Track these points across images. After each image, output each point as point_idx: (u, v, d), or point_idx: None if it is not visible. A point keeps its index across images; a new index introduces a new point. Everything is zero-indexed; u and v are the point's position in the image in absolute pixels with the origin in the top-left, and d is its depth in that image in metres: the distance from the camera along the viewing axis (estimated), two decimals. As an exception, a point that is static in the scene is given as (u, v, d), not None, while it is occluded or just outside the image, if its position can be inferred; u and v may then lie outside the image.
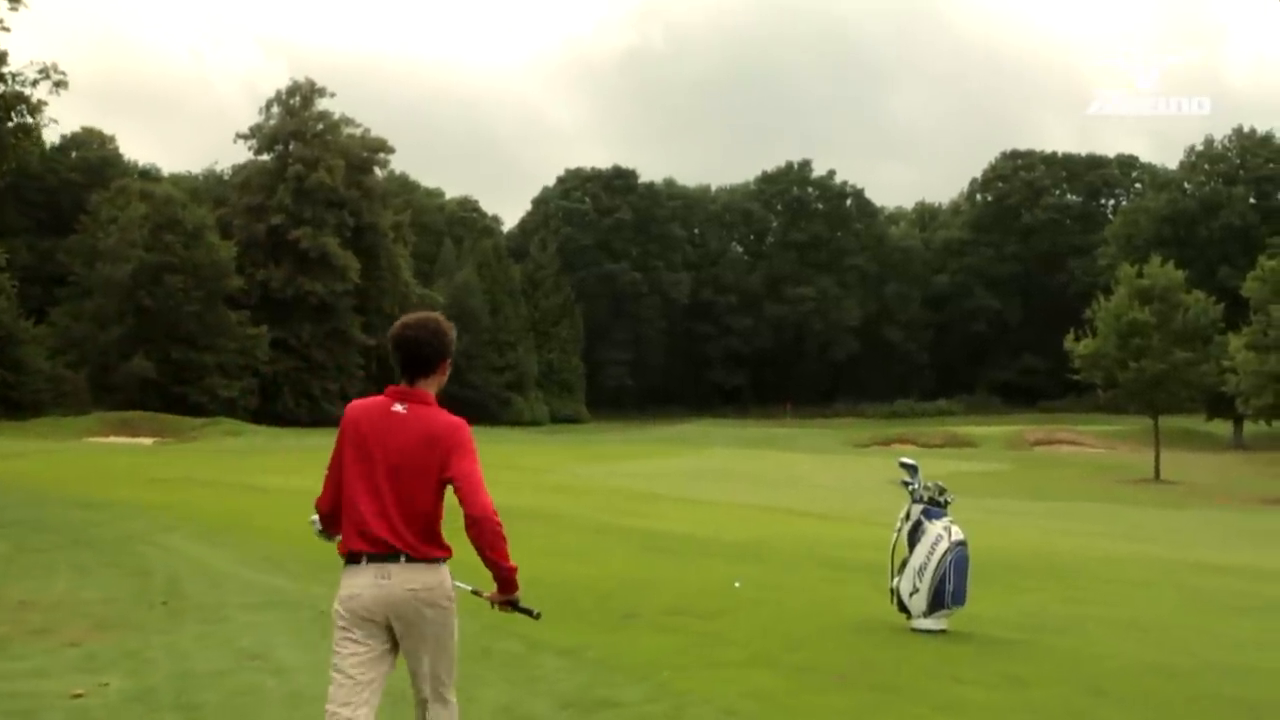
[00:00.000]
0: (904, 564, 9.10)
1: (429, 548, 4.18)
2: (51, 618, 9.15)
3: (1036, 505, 32.05)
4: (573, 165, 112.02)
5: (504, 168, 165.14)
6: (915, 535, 9.08)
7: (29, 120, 27.61)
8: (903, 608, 9.12)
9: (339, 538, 4.30)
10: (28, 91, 26.96)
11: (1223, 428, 69.02)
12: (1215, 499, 39.02)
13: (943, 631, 8.94)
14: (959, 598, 8.92)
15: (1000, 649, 8.56)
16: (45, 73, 27.55)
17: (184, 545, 13.99)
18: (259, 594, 10.40)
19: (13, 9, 25.11)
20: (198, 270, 71.64)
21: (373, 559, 4.14)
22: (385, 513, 4.13)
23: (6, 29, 27.05)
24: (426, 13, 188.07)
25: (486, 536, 4.11)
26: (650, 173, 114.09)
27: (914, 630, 8.97)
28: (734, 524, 20.09)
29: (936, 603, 8.89)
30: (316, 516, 4.49)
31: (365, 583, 4.13)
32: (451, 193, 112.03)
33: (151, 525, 16.22)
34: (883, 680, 7.37)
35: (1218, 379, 46.79)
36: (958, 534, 8.98)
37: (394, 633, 4.21)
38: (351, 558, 4.19)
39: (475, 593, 4.42)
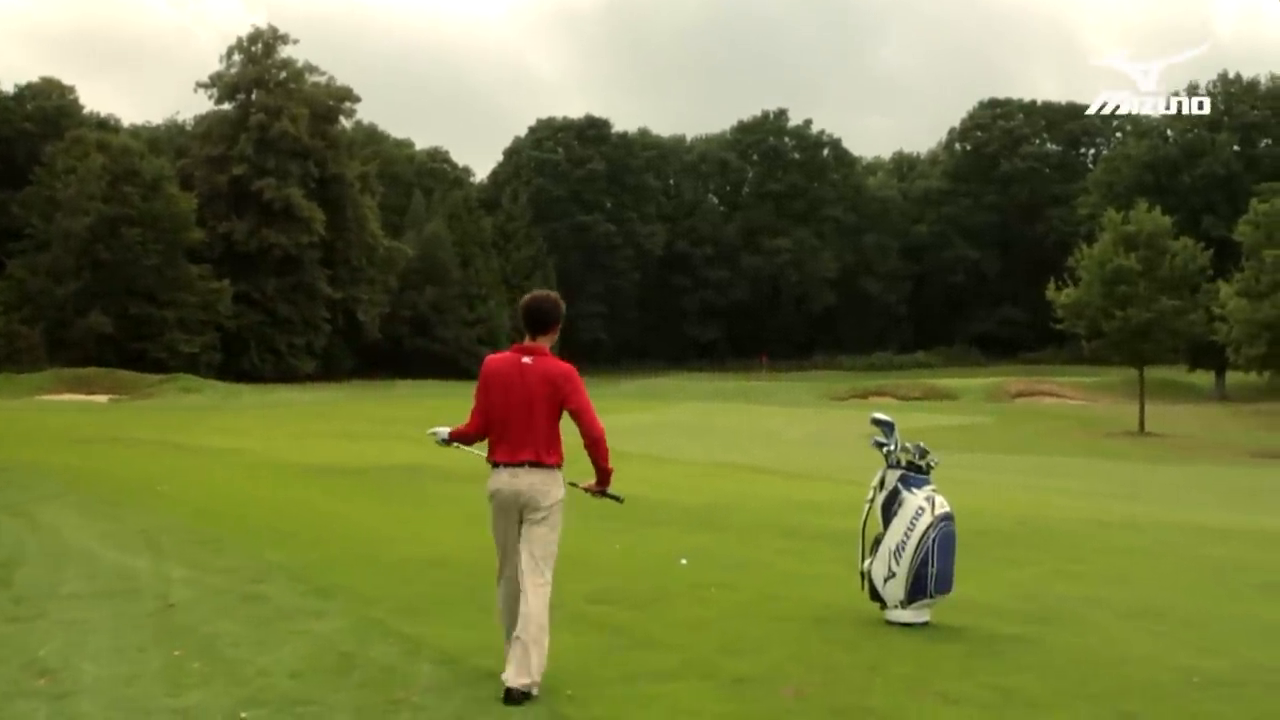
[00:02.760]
0: (877, 542, 7.43)
1: (548, 456, 5.79)
2: None
3: (1021, 460, 30.65)
4: (552, 115, 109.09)
5: (482, 118, 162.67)
6: (891, 507, 7.38)
7: None
8: (875, 595, 7.45)
9: (462, 448, 6.17)
10: None
11: (1204, 379, 67.82)
12: (1202, 452, 37.71)
13: (924, 625, 7.28)
14: (944, 584, 7.25)
15: (996, 650, 6.82)
16: None
17: (56, 516, 12.24)
18: (104, 579, 8.68)
19: None
20: (157, 223, 69.70)
21: (508, 465, 5.79)
22: (518, 432, 5.77)
23: None
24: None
25: (599, 449, 5.90)
26: (631, 122, 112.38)
27: (889, 623, 7.31)
28: (694, 485, 18.44)
29: (917, 590, 7.23)
30: (446, 432, 6.20)
31: (504, 480, 5.79)
32: (426, 143, 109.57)
33: (37, 493, 14.50)
34: (848, 700, 5.68)
35: (1205, 328, 45.23)
36: (943, 506, 7.29)
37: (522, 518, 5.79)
38: (495, 464, 5.83)
39: (572, 484, 5.96)
